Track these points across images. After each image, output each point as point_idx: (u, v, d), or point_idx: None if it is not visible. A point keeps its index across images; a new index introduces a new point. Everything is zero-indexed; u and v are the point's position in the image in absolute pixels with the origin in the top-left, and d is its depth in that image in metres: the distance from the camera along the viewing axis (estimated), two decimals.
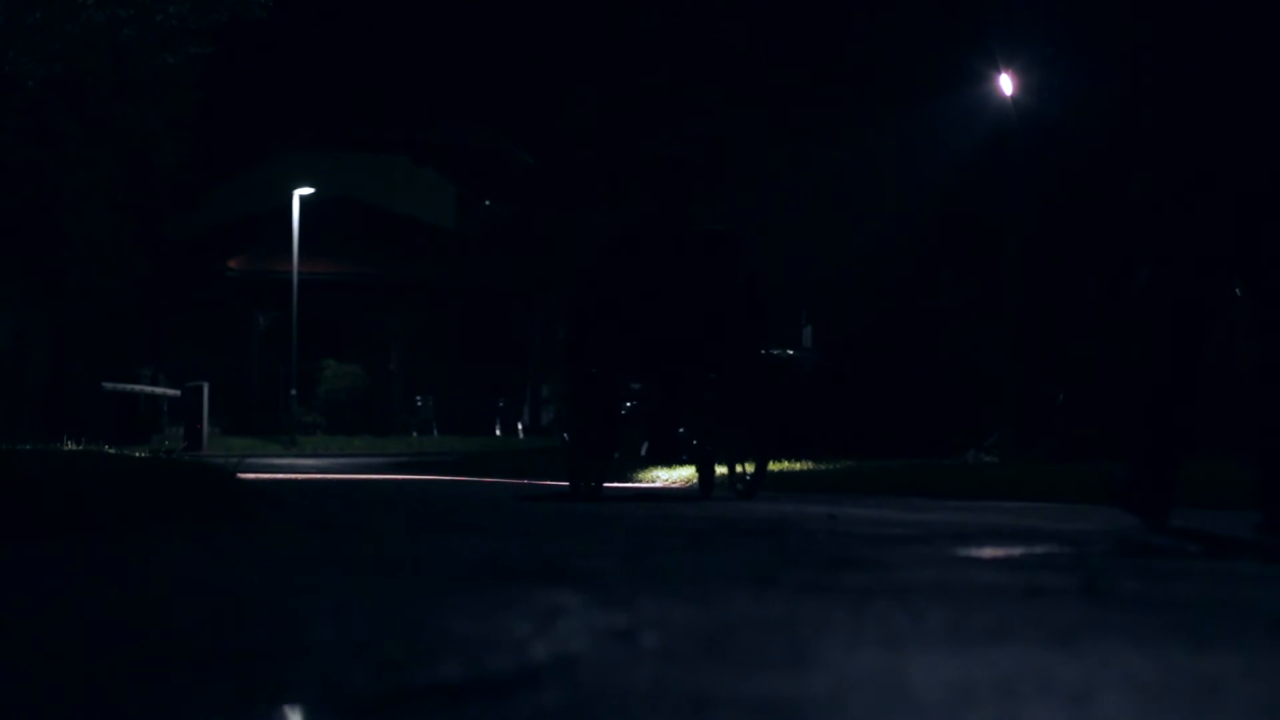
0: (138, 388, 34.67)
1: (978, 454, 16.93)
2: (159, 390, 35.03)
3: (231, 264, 40.70)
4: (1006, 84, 17.58)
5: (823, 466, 14.10)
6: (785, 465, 14.12)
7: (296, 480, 13.34)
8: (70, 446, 13.45)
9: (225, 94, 37.08)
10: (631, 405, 9.63)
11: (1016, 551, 4.56)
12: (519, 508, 8.00)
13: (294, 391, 36.88)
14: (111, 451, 11.93)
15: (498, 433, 40.96)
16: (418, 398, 41.48)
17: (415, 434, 39.86)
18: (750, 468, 9.39)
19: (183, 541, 4.87)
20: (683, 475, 12.89)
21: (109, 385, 33.16)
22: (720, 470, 9.87)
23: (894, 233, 24.23)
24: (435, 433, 40.25)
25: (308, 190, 38.17)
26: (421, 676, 2.13)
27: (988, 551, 4.53)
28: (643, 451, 10.10)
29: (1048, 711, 1.83)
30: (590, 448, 9.33)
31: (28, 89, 15.12)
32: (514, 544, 4.98)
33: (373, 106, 46.37)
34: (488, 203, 47.06)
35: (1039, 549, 4.67)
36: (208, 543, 4.88)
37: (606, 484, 9.96)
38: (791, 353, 23.95)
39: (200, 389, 32.65)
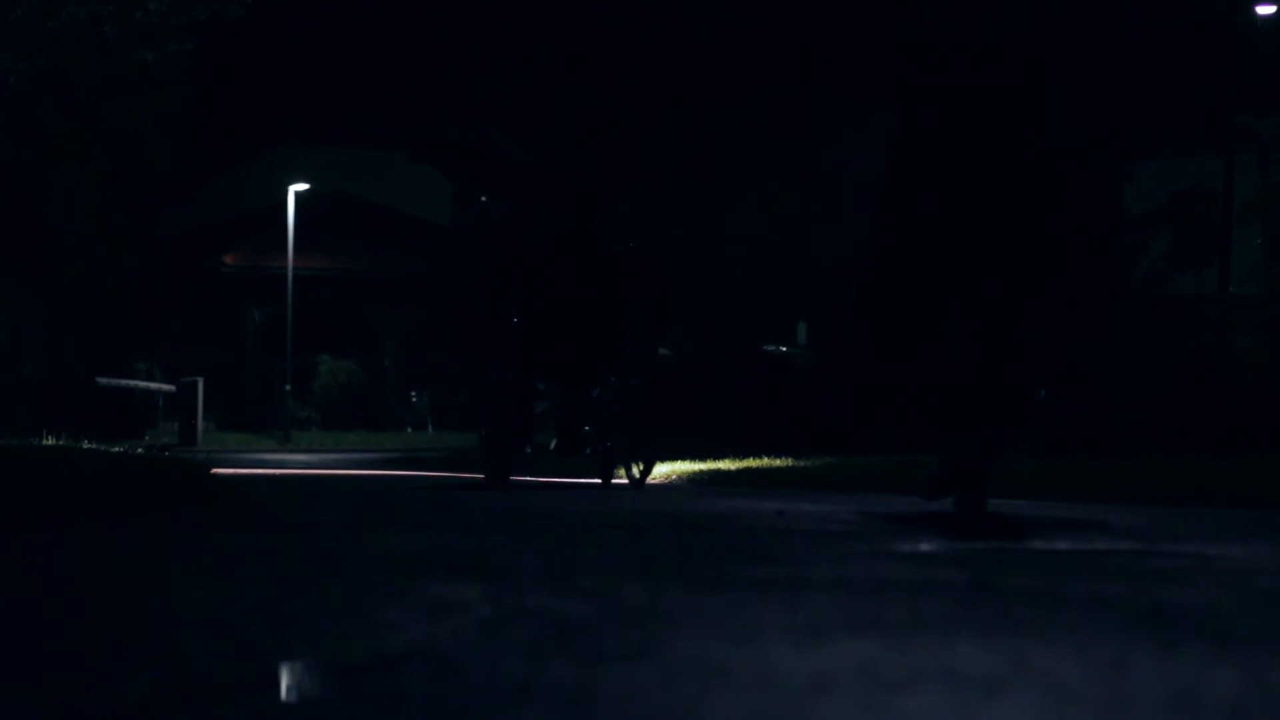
0: (132, 382, 34.75)
1: None
2: (154, 385, 35.10)
3: (227, 259, 40.76)
4: None
5: (803, 463, 14.11)
6: (765, 462, 14.15)
7: (276, 476, 13.41)
8: (50, 441, 13.51)
9: (220, 90, 37.12)
10: (543, 406, 10.93)
11: (941, 547, 4.61)
12: (477, 501, 8.04)
13: (289, 387, 36.93)
14: (89, 446, 11.98)
15: None
16: (413, 393, 41.50)
17: (410, 429, 39.89)
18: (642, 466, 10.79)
19: (116, 536, 4.92)
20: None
21: (103, 380, 33.25)
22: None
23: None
24: (430, 428, 40.29)
25: (303, 186, 38.23)
26: (276, 663, 2.19)
27: (912, 547, 4.58)
28: (551, 447, 11.11)
29: (845, 700, 1.88)
30: (503, 443, 10.60)
31: (10, 85, 15.19)
32: (449, 538, 5.04)
33: (369, 103, 46.38)
34: (484, 198, 47.12)
35: (969, 544, 4.71)
36: (141, 538, 4.93)
37: (522, 477, 11.41)
38: (785, 349, 23.97)
39: (195, 384, 32.70)
